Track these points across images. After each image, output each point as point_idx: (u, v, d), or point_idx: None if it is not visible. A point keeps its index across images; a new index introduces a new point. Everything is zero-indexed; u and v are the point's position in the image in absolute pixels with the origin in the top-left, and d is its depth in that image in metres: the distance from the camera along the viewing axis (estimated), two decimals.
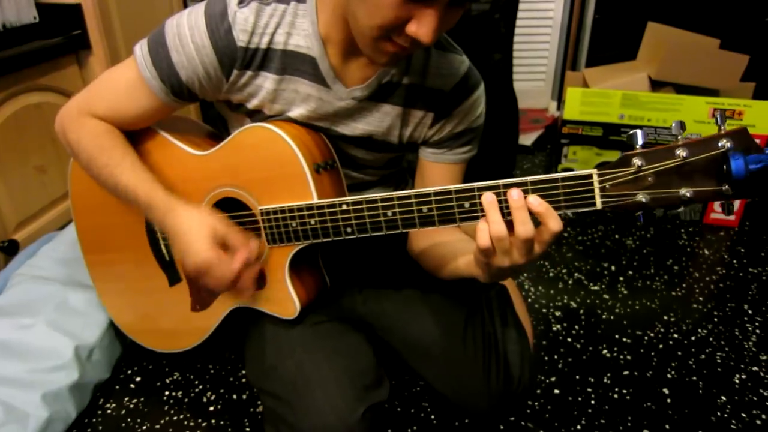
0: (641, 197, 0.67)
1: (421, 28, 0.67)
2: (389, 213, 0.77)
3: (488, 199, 0.69)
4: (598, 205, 0.68)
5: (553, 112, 2.88)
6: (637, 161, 0.65)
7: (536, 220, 0.69)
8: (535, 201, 0.67)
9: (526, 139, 2.55)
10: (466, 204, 0.73)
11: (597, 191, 0.68)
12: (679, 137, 0.65)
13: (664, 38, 2.21)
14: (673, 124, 0.65)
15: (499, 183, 0.70)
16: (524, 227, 0.67)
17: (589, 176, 0.67)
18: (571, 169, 2.10)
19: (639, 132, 0.66)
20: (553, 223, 0.67)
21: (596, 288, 1.62)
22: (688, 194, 0.65)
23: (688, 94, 2.00)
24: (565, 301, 1.56)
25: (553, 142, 2.59)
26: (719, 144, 0.63)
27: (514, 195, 0.68)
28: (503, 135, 2.18)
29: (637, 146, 0.66)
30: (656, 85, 2.24)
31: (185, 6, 2.18)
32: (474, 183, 0.72)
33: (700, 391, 1.26)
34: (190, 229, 0.83)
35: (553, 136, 2.62)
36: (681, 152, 0.64)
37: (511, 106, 2.21)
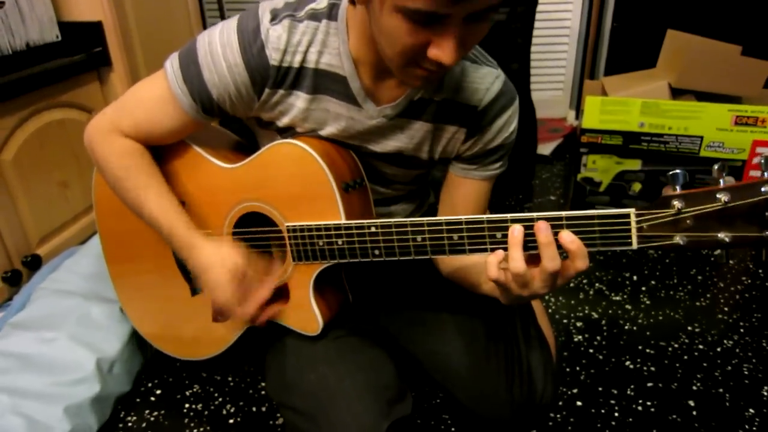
0: (678, 239, 0.65)
1: (442, 50, 0.65)
2: (419, 238, 0.77)
3: (514, 234, 0.69)
4: (634, 246, 0.67)
5: (572, 122, 2.86)
6: (677, 203, 0.64)
7: (563, 253, 0.68)
8: (568, 237, 0.67)
9: (545, 148, 2.54)
10: (498, 234, 0.72)
11: (634, 231, 0.67)
12: (721, 180, 0.64)
13: (684, 45, 2.18)
14: (715, 167, 0.64)
15: (533, 216, 0.69)
16: (552, 263, 0.67)
17: (627, 216, 0.66)
18: (591, 179, 2.07)
19: (679, 173, 0.65)
20: (581, 262, 0.67)
21: (618, 298, 1.59)
22: (726, 239, 0.63)
23: (709, 101, 1.98)
24: (586, 311, 1.54)
25: (572, 152, 2.57)
26: (762, 189, 0.61)
27: (543, 231, 0.67)
28: (522, 145, 2.16)
29: (678, 187, 0.65)
30: (677, 93, 2.21)
31: (204, 24, 2.22)
32: (507, 214, 0.71)
33: (727, 404, 1.23)
34: (212, 268, 0.85)
35: (572, 146, 2.60)
36: (722, 196, 0.62)
37: (530, 116, 2.20)
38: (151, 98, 0.87)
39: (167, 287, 1.06)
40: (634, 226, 0.66)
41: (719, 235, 0.64)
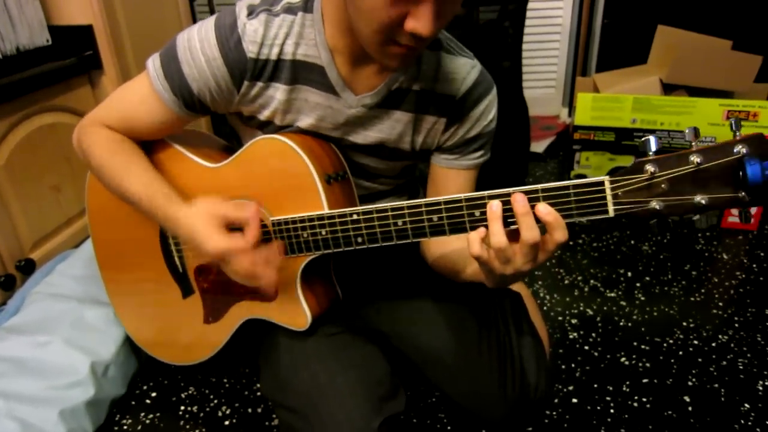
0: (655, 204, 0.66)
1: (419, 21, 0.66)
2: (399, 222, 0.77)
3: (492, 209, 0.69)
4: (611, 213, 0.67)
5: (565, 119, 2.86)
6: (650, 168, 0.64)
7: (542, 227, 0.68)
8: (545, 209, 0.67)
9: (538, 146, 2.54)
10: (477, 213, 0.72)
11: (609, 198, 0.67)
12: (693, 143, 0.64)
13: (674, 41, 2.19)
14: (687, 130, 0.65)
15: (509, 191, 0.69)
16: (531, 233, 0.67)
17: (601, 183, 0.67)
18: (584, 176, 2.08)
19: (652, 138, 0.65)
20: (559, 233, 0.67)
21: (613, 295, 1.60)
22: (703, 201, 0.64)
23: (700, 96, 1.98)
24: (581, 308, 1.55)
25: (565, 149, 2.57)
26: (735, 150, 0.62)
27: (520, 201, 0.68)
28: (514, 143, 2.17)
29: (650, 153, 0.65)
30: (668, 89, 2.22)
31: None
32: (484, 191, 0.71)
33: (722, 399, 1.23)
34: (193, 228, 0.81)
35: (564, 143, 2.60)
36: (695, 158, 0.63)
37: (522, 114, 2.20)
38: (135, 96, 0.89)
39: (159, 292, 1.06)
40: (609, 193, 0.67)
41: (695, 198, 0.64)
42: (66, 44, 1.52)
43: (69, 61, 1.51)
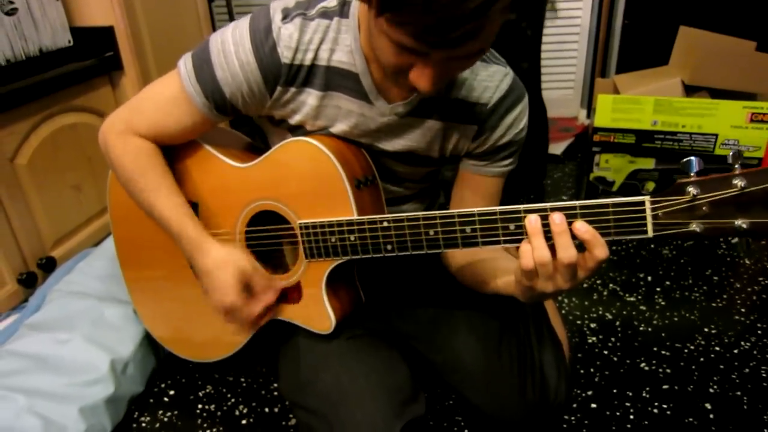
0: (695, 227, 0.65)
1: (419, 78, 0.67)
2: (431, 232, 0.76)
3: (532, 223, 0.68)
4: (650, 233, 0.66)
5: (583, 120, 2.84)
6: (692, 190, 0.63)
7: (581, 244, 0.67)
8: (582, 227, 0.66)
9: (556, 148, 2.52)
10: (511, 226, 0.71)
11: (649, 219, 0.66)
12: (736, 167, 0.63)
13: (697, 42, 2.16)
14: (730, 154, 0.63)
15: (546, 206, 0.69)
16: (566, 252, 0.66)
17: (642, 203, 0.66)
18: (604, 178, 2.06)
19: (694, 159, 0.64)
20: (599, 250, 0.66)
21: (632, 299, 1.58)
22: (744, 225, 0.63)
23: (723, 98, 1.95)
24: (600, 312, 1.53)
25: (583, 151, 2.55)
26: None
27: (557, 220, 0.67)
28: (533, 144, 2.15)
29: (692, 174, 0.64)
30: (690, 90, 2.19)
31: (214, 29, 2.23)
32: (520, 206, 0.70)
33: (745, 407, 1.21)
34: (218, 269, 0.86)
35: (583, 145, 2.58)
36: (738, 182, 0.62)
37: (540, 115, 2.19)
38: (164, 98, 0.88)
39: (181, 288, 1.07)
40: (649, 213, 0.66)
41: (736, 222, 0.63)
42: (87, 45, 1.54)
43: (90, 62, 1.53)
